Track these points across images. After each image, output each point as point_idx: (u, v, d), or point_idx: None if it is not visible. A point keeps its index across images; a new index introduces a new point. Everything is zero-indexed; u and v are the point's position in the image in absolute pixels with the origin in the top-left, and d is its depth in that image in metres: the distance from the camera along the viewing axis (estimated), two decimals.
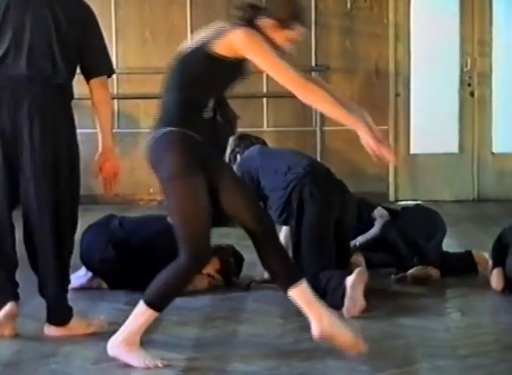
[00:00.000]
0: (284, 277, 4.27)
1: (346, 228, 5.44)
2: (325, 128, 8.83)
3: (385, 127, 8.65)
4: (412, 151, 9.16)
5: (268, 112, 8.98)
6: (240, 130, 7.40)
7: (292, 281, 4.19)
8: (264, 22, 4.02)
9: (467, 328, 4.90)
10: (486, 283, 5.65)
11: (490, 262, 5.73)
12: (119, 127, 8.68)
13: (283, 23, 4.06)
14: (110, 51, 8.07)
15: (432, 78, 9.22)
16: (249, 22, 4.01)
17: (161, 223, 5.66)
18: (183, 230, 3.99)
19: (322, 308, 4.18)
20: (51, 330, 4.45)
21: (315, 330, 4.10)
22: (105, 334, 4.34)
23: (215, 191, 3.98)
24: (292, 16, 4.11)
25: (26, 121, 4.31)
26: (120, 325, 4.17)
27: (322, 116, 8.56)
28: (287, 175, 5.36)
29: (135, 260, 5.67)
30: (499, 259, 5.74)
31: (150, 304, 4.11)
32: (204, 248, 4.05)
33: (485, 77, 9.10)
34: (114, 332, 4.14)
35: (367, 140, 3.89)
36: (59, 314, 4.50)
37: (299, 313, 4.38)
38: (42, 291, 4.43)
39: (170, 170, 3.87)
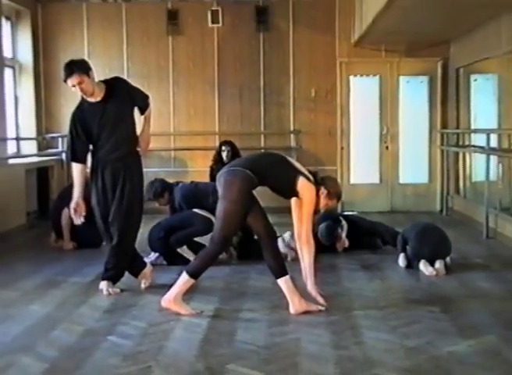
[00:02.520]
0: (275, 270, 5.06)
1: None
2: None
3: (335, 167, 10.58)
4: (351, 182, 10.77)
5: None
6: None
7: (280, 274, 5.04)
8: (322, 189, 5.14)
9: (385, 290, 5.79)
10: (396, 265, 6.66)
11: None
12: (174, 167, 10.68)
13: (332, 195, 5.18)
14: (169, 121, 10.06)
15: (363, 138, 10.84)
16: (315, 183, 5.10)
17: (196, 219, 6.83)
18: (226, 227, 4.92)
19: (296, 293, 5.02)
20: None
21: (291, 309, 5.00)
22: (163, 294, 5.15)
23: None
24: (337, 195, 5.26)
25: (119, 176, 5.51)
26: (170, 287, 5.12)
27: (298, 159, 11.25)
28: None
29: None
30: (402, 248, 6.74)
31: (190, 273, 4.97)
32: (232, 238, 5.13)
33: (395, 138, 10.83)
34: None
35: (309, 287, 5.10)
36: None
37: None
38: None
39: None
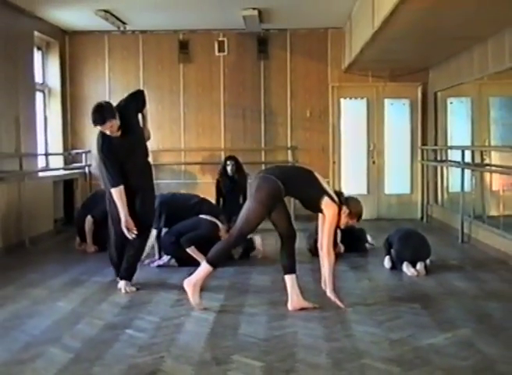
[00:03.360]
0: (287, 267, 5.09)
1: None
2: None
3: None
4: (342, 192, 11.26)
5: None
6: (249, 181, 9.40)
7: (290, 271, 5.08)
8: (344, 208, 5.03)
9: (371, 288, 5.82)
10: (382, 266, 6.68)
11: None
12: (184, 179, 10.67)
13: (352, 215, 5.11)
14: (180, 138, 10.13)
15: (352, 153, 10.84)
16: (340, 202, 5.05)
17: (203, 223, 6.84)
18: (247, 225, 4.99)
19: (297, 292, 5.03)
20: None
21: (289, 305, 5.02)
22: (175, 293, 5.44)
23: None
24: (358, 215, 5.18)
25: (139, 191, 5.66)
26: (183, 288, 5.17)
27: None
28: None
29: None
30: (387, 251, 6.73)
31: (210, 262, 5.00)
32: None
33: (380, 154, 10.84)
34: (182, 291, 5.25)
35: (328, 293, 5.07)
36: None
37: (282, 281, 5.28)
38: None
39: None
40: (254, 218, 4.95)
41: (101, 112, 5.37)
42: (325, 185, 5.08)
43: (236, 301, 5.40)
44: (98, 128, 5.42)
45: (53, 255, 7.82)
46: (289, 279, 5.06)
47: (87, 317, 4.97)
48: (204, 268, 5.00)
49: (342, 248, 7.43)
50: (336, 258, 5.20)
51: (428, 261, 6.57)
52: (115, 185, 5.47)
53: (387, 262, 6.72)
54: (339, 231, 7.31)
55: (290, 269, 5.08)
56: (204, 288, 5.26)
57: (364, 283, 6.12)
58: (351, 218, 5.11)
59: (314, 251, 7.02)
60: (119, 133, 5.47)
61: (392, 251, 6.68)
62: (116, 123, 5.41)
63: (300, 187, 5.01)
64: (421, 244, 6.63)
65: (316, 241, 6.95)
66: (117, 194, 5.46)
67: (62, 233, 9.32)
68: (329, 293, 5.12)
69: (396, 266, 6.60)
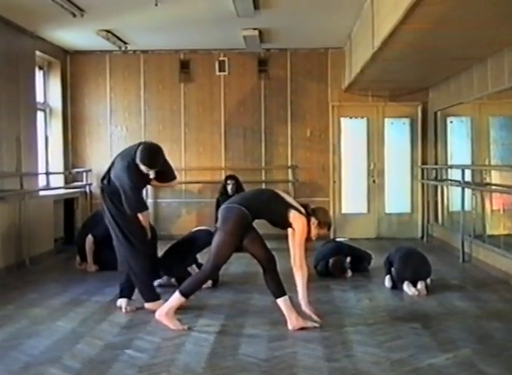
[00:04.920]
0: (274, 291, 5.09)
1: None
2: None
3: (328, 199, 10.60)
4: (343, 212, 10.75)
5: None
6: None
7: (279, 294, 5.08)
8: (312, 219, 5.10)
9: (372, 308, 5.81)
10: (383, 286, 6.68)
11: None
12: (185, 198, 10.67)
13: (322, 224, 5.13)
14: (181, 157, 10.17)
15: (353, 173, 10.84)
16: (307, 214, 5.08)
17: (197, 234, 6.89)
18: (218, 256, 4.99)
19: (293, 311, 5.05)
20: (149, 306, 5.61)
21: (289, 326, 5.03)
22: (176, 312, 5.16)
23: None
24: (327, 225, 5.20)
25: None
26: (184, 306, 5.26)
27: (295, 191, 10.32)
28: None
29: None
30: (388, 270, 6.75)
31: (183, 293, 5.03)
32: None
33: (381, 173, 10.84)
34: (181, 310, 5.22)
35: (303, 308, 5.08)
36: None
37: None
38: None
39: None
40: (226, 249, 4.99)
41: (157, 160, 5.61)
42: (289, 200, 5.13)
43: (236, 322, 5.39)
44: (144, 171, 5.57)
45: (53, 275, 7.80)
46: (281, 302, 5.08)
47: (87, 337, 4.96)
48: (177, 298, 5.05)
49: (350, 272, 7.40)
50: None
51: (428, 280, 6.55)
52: (143, 209, 5.64)
53: (387, 282, 6.72)
54: (348, 258, 7.36)
55: (279, 293, 5.08)
56: (203, 307, 5.33)
57: (364, 303, 6.10)
58: (321, 228, 5.12)
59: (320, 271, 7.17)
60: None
61: (393, 269, 6.68)
62: None
63: (265, 207, 5.06)
64: (421, 264, 6.61)
65: (317, 271, 7.24)
66: (144, 217, 5.64)
67: (62, 253, 9.29)
68: (304, 307, 5.10)
69: (396, 286, 6.60)
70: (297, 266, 5.03)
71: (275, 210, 5.03)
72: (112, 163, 5.81)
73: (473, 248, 8.33)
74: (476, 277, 7.39)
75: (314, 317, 5.13)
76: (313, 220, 5.06)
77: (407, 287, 6.44)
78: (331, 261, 7.19)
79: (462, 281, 7.11)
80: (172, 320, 5.06)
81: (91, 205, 10.62)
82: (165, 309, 5.06)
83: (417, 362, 4.27)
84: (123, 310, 5.69)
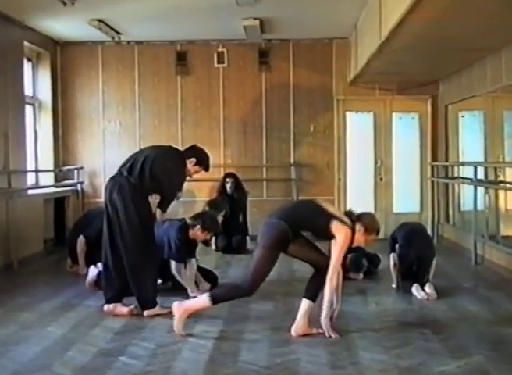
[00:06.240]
0: (310, 292, 5.11)
1: None
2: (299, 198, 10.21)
3: (333, 197, 10.62)
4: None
5: (266, 189, 10.77)
6: (249, 199, 10.01)
7: (310, 297, 5.09)
8: (358, 226, 4.99)
9: (379, 313, 5.83)
10: (391, 289, 6.73)
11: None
12: (183, 197, 9.16)
13: (369, 230, 5.07)
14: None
15: (359, 170, 10.89)
16: (352, 221, 5.01)
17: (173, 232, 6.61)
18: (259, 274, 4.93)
19: (305, 319, 5.05)
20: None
21: (293, 330, 5.06)
22: (172, 317, 5.22)
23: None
24: (375, 230, 5.13)
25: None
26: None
27: (298, 190, 10.52)
28: None
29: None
30: (392, 248, 6.84)
31: (213, 298, 4.98)
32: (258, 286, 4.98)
33: (388, 170, 10.90)
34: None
35: (322, 318, 4.98)
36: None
37: (283, 305, 5.76)
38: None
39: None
40: (266, 264, 4.96)
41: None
42: (331, 210, 5.09)
43: (235, 327, 5.39)
44: (196, 167, 6.01)
45: (43, 278, 7.79)
46: (305, 304, 5.08)
47: (79, 343, 4.95)
48: (203, 302, 5.03)
49: (361, 275, 7.43)
50: (343, 283, 5.22)
51: (432, 272, 6.56)
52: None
53: (392, 259, 6.76)
54: (364, 259, 7.37)
55: (311, 296, 5.09)
56: (201, 312, 5.24)
57: (371, 308, 6.11)
58: (369, 234, 5.08)
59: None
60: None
61: (397, 246, 6.74)
62: None
63: (306, 219, 5.05)
64: (424, 246, 6.67)
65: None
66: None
67: (52, 255, 9.30)
68: (323, 320, 5.06)
69: (401, 261, 6.66)
70: (329, 277, 4.95)
71: (316, 222, 5.01)
72: (144, 155, 5.81)
73: (486, 249, 8.33)
74: (489, 280, 7.39)
75: (331, 333, 5.04)
76: (359, 227, 5.02)
77: (416, 291, 6.46)
78: (350, 256, 7.15)
79: (474, 284, 7.11)
80: (181, 320, 5.05)
81: (83, 205, 10.64)
82: (185, 306, 5.06)
83: (426, 369, 4.25)
84: (132, 311, 5.71)
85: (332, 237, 4.98)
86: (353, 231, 5.00)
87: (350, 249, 6.85)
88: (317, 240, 5.18)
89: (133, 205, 5.57)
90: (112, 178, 5.75)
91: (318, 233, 5.12)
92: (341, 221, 4.95)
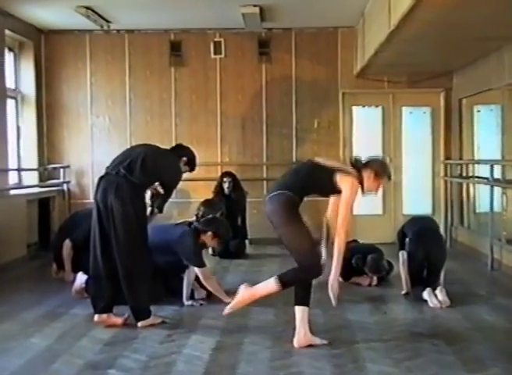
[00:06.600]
0: (299, 297, 5.05)
1: None
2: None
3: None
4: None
5: (267, 189, 10.12)
6: (248, 200, 10.05)
7: (301, 303, 5.04)
8: (367, 172, 5.10)
9: (388, 322, 5.81)
10: (400, 296, 6.73)
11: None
12: (176, 198, 9.85)
13: (380, 175, 5.17)
14: None
15: None
16: (358, 170, 5.10)
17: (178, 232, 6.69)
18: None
19: (305, 327, 5.03)
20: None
21: (295, 341, 5.04)
22: (165, 327, 5.51)
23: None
24: (386, 173, 5.23)
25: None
26: (176, 320, 5.61)
27: None
28: None
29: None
30: (401, 244, 6.91)
31: (281, 281, 4.96)
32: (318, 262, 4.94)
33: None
34: (172, 325, 5.56)
35: (331, 280, 4.99)
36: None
37: (285, 314, 5.66)
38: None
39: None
40: (302, 237, 4.92)
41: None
42: (330, 163, 5.13)
43: (233, 337, 5.37)
44: (186, 167, 6.11)
45: (26, 285, 7.78)
46: (299, 311, 5.04)
47: (65, 355, 4.93)
48: (271, 286, 5.01)
49: (376, 280, 7.43)
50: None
51: (442, 277, 6.58)
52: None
53: (401, 257, 6.77)
54: (386, 264, 7.37)
55: (302, 300, 5.05)
56: (197, 320, 5.33)
57: (380, 316, 6.09)
58: (380, 179, 5.15)
59: (345, 277, 7.14)
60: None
61: (407, 240, 6.79)
62: None
63: (308, 182, 5.06)
64: (436, 245, 6.73)
65: (343, 267, 7.20)
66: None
67: (36, 260, 9.27)
68: (330, 282, 5.00)
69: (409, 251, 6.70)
70: (338, 229, 4.93)
71: (320, 181, 5.06)
72: (142, 152, 5.84)
73: (503, 254, 8.32)
74: (506, 287, 7.38)
75: (334, 301, 5.06)
76: (368, 173, 5.08)
77: (427, 296, 6.45)
78: (371, 256, 7.24)
79: (491, 292, 7.09)
80: (243, 304, 5.11)
81: (69, 206, 10.64)
82: (253, 290, 5.07)
83: None
84: (125, 320, 5.71)
85: (340, 191, 4.98)
86: (361, 180, 5.05)
87: (372, 250, 7.24)
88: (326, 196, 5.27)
89: (132, 206, 5.56)
90: (104, 177, 5.71)
91: (324, 192, 5.18)
92: (344, 172, 4.99)
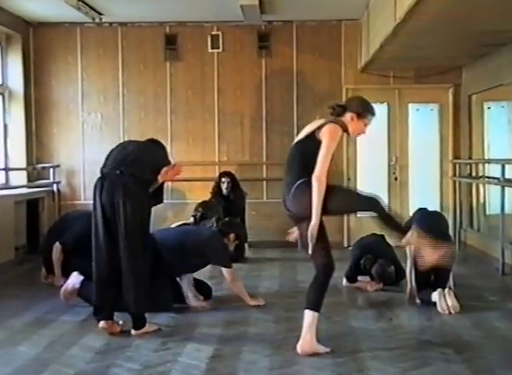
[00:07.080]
0: (311, 301, 5.03)
1: None
2: None
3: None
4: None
5: (267, 190, 10.76)
6: (248, 201, 10.03)
7: (313, 307, 5.01)
8: (349, 115, 5.05)
9: (394, 329, 5.79)
10: (406, 303, 6.73)
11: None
12: (172, 199, 10.48)
13: (363, 113, 5.11)
14: (168, 150, 10.12)
15: (371, 169, 10.89)
16: (339, 115, 5.08)
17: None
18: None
19: (312, 333, 5.01)
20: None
21: (299, 347, 5.02)
22: (160, 334, 5.52)
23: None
24: (369, 111, 5.18)
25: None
26: (171, 327, 5.63)
27: None
28: None
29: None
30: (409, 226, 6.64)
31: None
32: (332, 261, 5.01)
33: (404, 169, 10.93)
34: (167, 332, 5.56)
35: (311, 226, 4.82)
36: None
37: (286, 321, 5.78)
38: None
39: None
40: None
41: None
42: (307, 130, 5.02)
43: (232, 345, 5.36)
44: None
45: (14, 290, 7.76)
46: (309, 316, 5.01)
47: (54, 364, 4.91)
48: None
49: (381, 285, 7.44)
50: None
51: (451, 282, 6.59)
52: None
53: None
54: (392, 267, 7.34)
55: (314, 306, 5.02)
56: (194, 327, 5.31)
57: (385, 323, 6.07)
58: (364, 117, 5.09)
59: (350, 278, 7.33)
60: None
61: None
62: None
63: (307, 159, 4.91)
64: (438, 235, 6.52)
65: (351, 267, 7.43)
66: None
67: (24, 264, 9.27)
68: (310, 229, 4.84)
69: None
70: (315, 176, 4.80)
71: (313, 152, 4.86)
72: (133, 149, 5.90)
73: None
74: None
75: (310, 249, 4.92)
76: (350, 115, 5.04)
77: (437, 298, 6.39)
78: (380, 261, 7.25)
79: (502, 298, 7.08)
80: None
81: (59, 207, 10.65)
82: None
83: None
84: (121, 327, 5.70)
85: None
86: (345, 125, 4.99)
87: (378, 254, 7.27)
88: None
89: (141, 208, 5.58)
90: (106, 177, 5.66)
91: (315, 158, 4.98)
92: (321, 127, 4.91)
